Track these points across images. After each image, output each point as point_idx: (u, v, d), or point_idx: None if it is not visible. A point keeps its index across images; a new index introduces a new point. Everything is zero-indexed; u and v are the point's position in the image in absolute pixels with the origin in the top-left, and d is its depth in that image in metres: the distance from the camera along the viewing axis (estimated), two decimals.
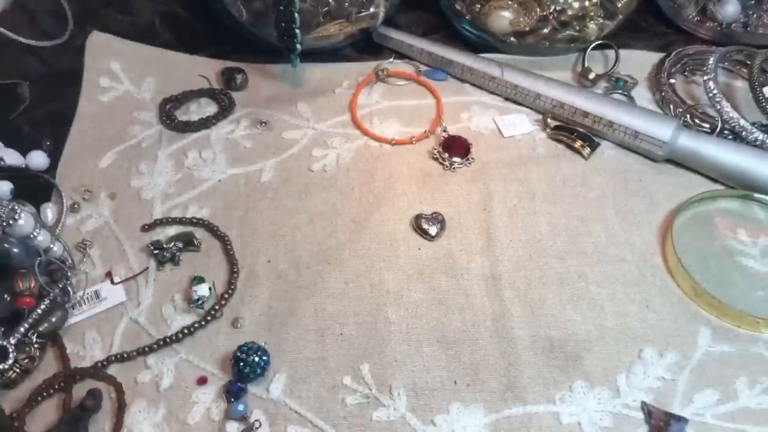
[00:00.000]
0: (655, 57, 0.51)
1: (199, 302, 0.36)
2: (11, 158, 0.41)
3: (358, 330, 0.36)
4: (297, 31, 0.43)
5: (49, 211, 0.40)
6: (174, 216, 0.40)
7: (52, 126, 0.44)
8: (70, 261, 0.38)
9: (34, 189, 0.41)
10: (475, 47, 0.51)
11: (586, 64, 0.49)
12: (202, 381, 0.34)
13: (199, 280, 0.37)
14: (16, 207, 0.35)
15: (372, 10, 0.48)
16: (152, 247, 0.38)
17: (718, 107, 0.45)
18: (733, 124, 0.44)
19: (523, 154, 0.44)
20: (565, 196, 0.42)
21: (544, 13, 0.49)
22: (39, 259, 0.35)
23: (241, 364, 0.33)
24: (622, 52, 0.50)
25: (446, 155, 0.43)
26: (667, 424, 0.33)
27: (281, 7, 0.41)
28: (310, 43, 0.48)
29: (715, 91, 0.45)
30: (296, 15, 0.42)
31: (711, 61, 0.46)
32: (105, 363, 0.34)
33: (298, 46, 0.44)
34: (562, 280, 0.38)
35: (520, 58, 0.50)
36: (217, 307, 0.36)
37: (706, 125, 0.45)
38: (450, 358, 0.35)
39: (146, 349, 0.35)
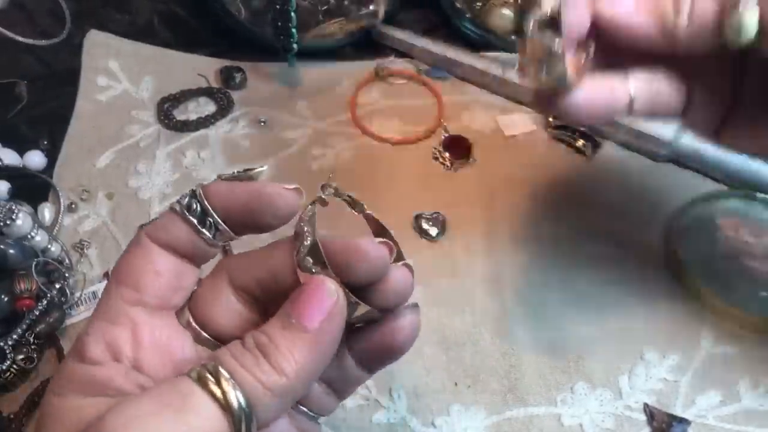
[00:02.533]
0: None
1: None
2: (8, 158, 0.41)
3: None
4: (294, 30, 0.42)
5: (46, 211, 0.39)
6: None
7: (50, 125, 0.44)
8: (67, 261, 0.37)
9: (31, 189, 0.41)
10: (475, 46, 0.50)
11: None
12: None
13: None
14: (14, 207, 0.35)
15: (372, 8, 0.48)
16: None
17: None
18: None
19: (525, 154, 0.44)
20: (567, 196, 0.42)
21: None
22: (36, 259, 0.35)
23: None
24: None
25: (447, 155, 0.43)
26: (669, 425, 0.33)
27: (277, 6, 0.41)
28: (310, 42, 0.47)
29: None
30: (293, 14, 0.41)
31: None
32: None
33: (295, 46, 0.44)
34: (563, 281, 0.38)
35: None
36: None
37: None
38: (451, 359, 0.35)
39: None
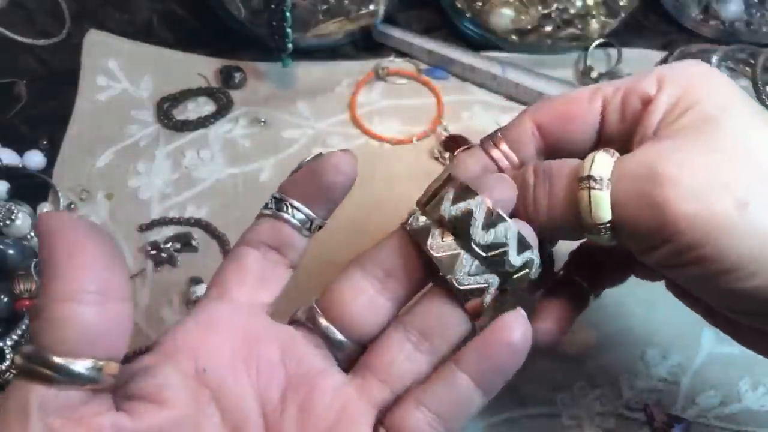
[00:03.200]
0: (657, 55, 0.50)
1: None
2: (8, 158, 0.41)
3: None
4: (288, 30, 0.42)
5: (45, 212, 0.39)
6: (172, 216, 0.40)
7: (49, 125, 0.44)
8: None
9: (30, 189, 0.41)
10: (475, 45, 0.50)
11: (588, 63, 0.49)
12: None
13: (198, 280, 0.37)
14: (13, 207, 0.35)
15: (372, 7, 0.48)
16: (150, 248, 0.38)
17: None
18: None
19: None
20: None
21: (546, 11, 0.49)
22: (35, 259, 0.35)
23: None
24: (625, 51, 0.49)
25: (447, 155, 0.43)
26: (670, 426, 0.33)
27: (273, 6, 0.41)
28: (309, 42, 0.47)
29: None
30: (288, 14, 0.41)
31: (714, 60, 0.46)
32: None
33: (290, 46, 0.43)
34: None
35: (521, 57, 0.49)
36: None
37: None
38: None
39: (144, 350, 0.34)
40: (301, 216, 0.22)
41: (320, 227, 0.23)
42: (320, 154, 0.22)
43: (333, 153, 0.22)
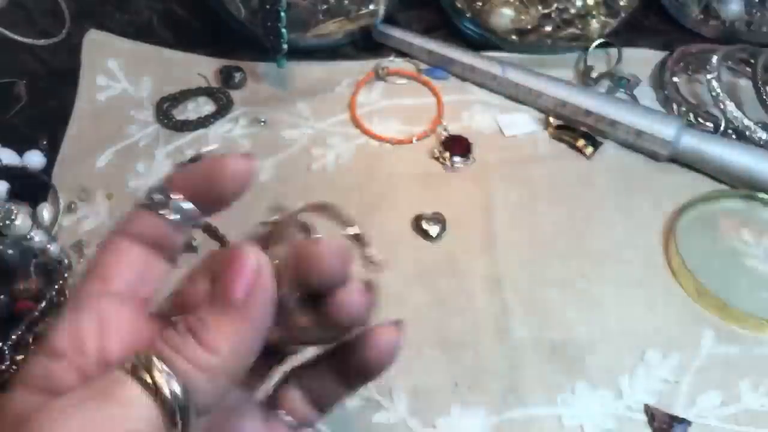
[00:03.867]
0: (658, 55, 0.50)
1: None
2: (7, 158, 0.41)
3: None
4: (283, 30, 0.42)
5: (45, 212, 0.39)
6: None
7: (49, 125, 0.44)
8: (66, 262, 0.37)
9: (30, 189, 0.41)
10: (475, 45, 0.50)
11: (588, 63, 0.49)
12: None
13: None
14: (13, 207, 0.35)
15: (372, 7, 0.48)
16: None
17: (722, 106, 0.44)
18: (736, 124, 0.44)
19: (525, 154, 0.44)
20: (567, 196, 0.42)
21: (546, 11, 0.49)
22: (35, 260, 0.35)
23: None
24: (625, 51, 0.49)
25: (447, 155, 0.43)
26: (670, 426, 0.33)
27: (267, 6, 0.41)
28: (309, 42, 0.47)
29: (718, 90, 0.45)
30: (282, 14, 0.41)
31: (714, 60, 0.46)
32: None
33: (284, 47, 0.43)
34: (564, 281, 0.38)
35: (521, 57, 0.49)
36: None
37: (710, 124, 0.45)
38: (451, 360, 0.35)
39: None
40: (185, 212, 0.21)
41: (205, 225, 0.23)
42: (222, 155, 0.21)
43: (233, 158, 0.21)
